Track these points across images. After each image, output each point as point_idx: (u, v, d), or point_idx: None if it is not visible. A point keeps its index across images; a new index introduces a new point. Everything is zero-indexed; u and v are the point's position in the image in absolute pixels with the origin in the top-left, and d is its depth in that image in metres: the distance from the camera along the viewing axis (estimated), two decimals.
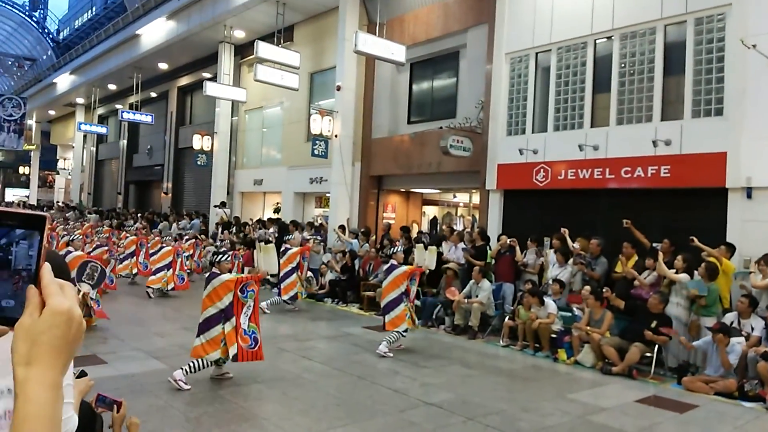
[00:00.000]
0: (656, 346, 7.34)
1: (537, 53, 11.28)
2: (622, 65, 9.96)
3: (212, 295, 6.06)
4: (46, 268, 0.74)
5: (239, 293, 6.10)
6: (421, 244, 9.37)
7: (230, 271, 6.62)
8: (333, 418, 5.36)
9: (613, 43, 10.08)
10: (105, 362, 6.84)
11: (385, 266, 8.61)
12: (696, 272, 7.67)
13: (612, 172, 9.81)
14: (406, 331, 8.00)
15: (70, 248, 9.47)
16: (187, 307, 10.84)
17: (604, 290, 8.19)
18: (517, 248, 9.93)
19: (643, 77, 9.66)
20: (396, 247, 8.87)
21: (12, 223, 0.72)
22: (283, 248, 10.82)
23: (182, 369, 5.95)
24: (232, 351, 6.02)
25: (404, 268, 8.10)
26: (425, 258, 8.74)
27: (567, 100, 10.71)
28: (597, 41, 10.39)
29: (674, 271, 7.78)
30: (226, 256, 6.63)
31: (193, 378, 6.33)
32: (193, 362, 6.00)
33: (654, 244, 8.67)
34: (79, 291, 7.53)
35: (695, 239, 7.82)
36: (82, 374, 2.41)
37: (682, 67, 9.16)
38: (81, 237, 12.98)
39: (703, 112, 8.91)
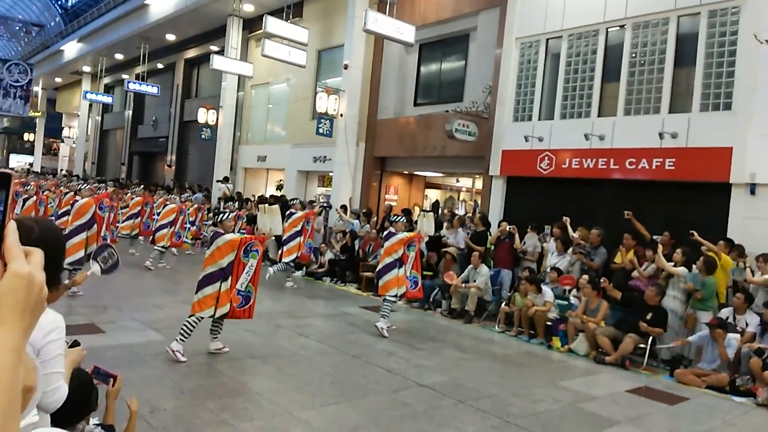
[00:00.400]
0: (650, 338, 7.37)
1: (548, 39, 11.17)
2: (633, 55, 9.87)
3: (215, 253, 6.12)
4: (11, 229, 0.73)
5: (242, 254, 6.14)
6: (422, 212, 9.44)
7: (233, 231, 6.66)
8: (326, 395, 5.42)
9: (625, 32, 9.97)
10: (103, 332, 6.90)
11: (385, 233, 8.69)
12: (694, 266, 7.68)
13: (617, 162, 9.77)
14: (396, 296, 8.13)
15: (77, 197, 9.31)
16: (187, 279, 10.89)
17: (601, 280, 8.22)
18: (517, 235, 9.94)
19: (653, 68, 9.57)
20: (399, 217, 8.85)
21: None
22: (288, 212, 10.89)
23: (177, 339, 6.02)
24: (222, 311, 6.09)
25: (402, 234, 8.15)
26: (423, 224, 8.78)
27: (575, 88, 10.63)
28: (609, 29, 10.28)
29: (673, 264, 7.78)
30: (227, 214, 6.66)
31: (189, 351, 6.39)
32: (184, 326, 6.07)
33: (654, 237, 8.67)
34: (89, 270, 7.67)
35: (695, 233, 7.81)
36: (75, 344, 2.44)
37: (693, 59, 9.06)
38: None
39: (711, 106, 8.84)
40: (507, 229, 10.10)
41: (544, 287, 8.64)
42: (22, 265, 0.72)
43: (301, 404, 5.13)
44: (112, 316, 7.60)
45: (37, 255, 0.75)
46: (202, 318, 6.12)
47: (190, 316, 6.11)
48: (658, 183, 9.32)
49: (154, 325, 7.34)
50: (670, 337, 7.62)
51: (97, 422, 3.00)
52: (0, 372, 0.67)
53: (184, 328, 6.08)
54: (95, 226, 8.54)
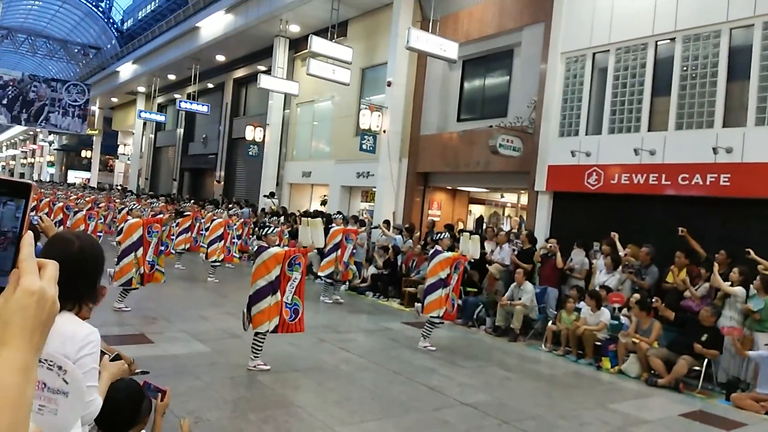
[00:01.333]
0: (705, 360, 7.06)
1: (594, 53, 10.99)
2: (684, 68, 9.60)
3: (261, 268, 6.22)
4: (27, 241, 0.73)
5: (286, 267, 6.24)
6: (467, 234, 9.34)
7: (277, 245, 6.79)
8: (366, 411, 5.38)
9: (675, 46, 9.72)
10: (152, 342, 7.07)
11: (431, 251, 8.66)
12: (752, 286, 7.34)
13: (668, 178, 9.48)
14: (439, 318, 8.02)
15: (129, 216, 9.73)
16: (233, 292, 11.09)
17: (653, 300, 7.93)
18: (558, 254, 9.70)
19: (705, 81, 9.28)
20: (443, 233, 8.77)
21: (1, 190, 0.73)
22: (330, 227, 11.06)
23: (252, 357, 6.30)
24: (272, 324, 6.19)
25: (448, 254, 8.11)
26: (469, 247, 8.68)
27: (624, 103, 10.40)
28: (658, 43, 10.04)
29: (729, 284, 7.46)
30: (272, 228, 6.75)
31: (232, 363, 6.50)
32: (254, 344, 6.32)
33: (710, 255, 8.33)
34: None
35: (751, 251, 7.48)
36: (116, 358, 2.49)
37: (747, 72, 8.75)
38: (140, 207, 13.52)
39: (767, 120, 8.50)
40: (548, 246, 9.90)
41: (603, 307, 8.38)
42: (33, 281, 0.71)
43: (341, 419, 5.11)
44: (161, 327, 7.79)
45: (51, 268, 0.74)
46: (267, 332, 6.22)
47: (256, 333, 6.25)
48: (712, 199, 8.98)
49: (201, 337, 7.48)
50: (727, 359, 7.29)
51: None
52: (6, 392, 0.66)
53: (254, 345, 6.30)
54: (141, 249, 8.53)
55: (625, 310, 8.38)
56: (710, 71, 9.22)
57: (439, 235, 8.82)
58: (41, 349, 0.71)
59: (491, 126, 12.24)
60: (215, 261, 12.26)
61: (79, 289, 1.86)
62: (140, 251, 8.50)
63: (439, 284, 7.96)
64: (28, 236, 0.73)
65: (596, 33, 10.83)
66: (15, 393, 0.66)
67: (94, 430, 2.63)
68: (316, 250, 9.06)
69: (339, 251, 10.90)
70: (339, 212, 12.77)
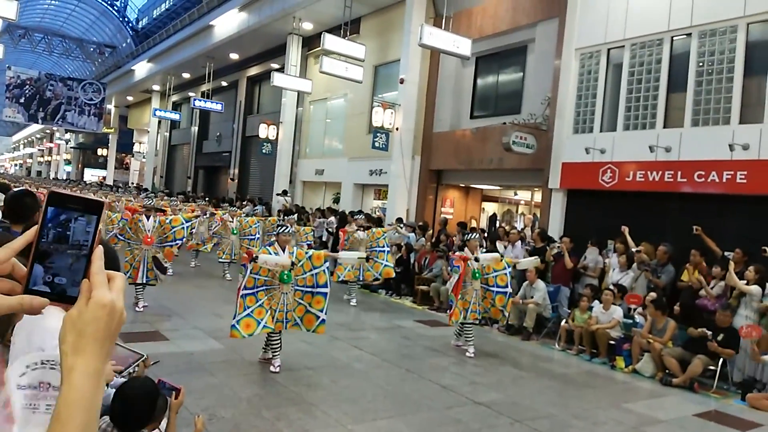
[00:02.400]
0: (720, 360, 6.99)
1: (609, 49, 10.90)
2: (700, 64, 9.49)
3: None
4: (97, 255, 0.78)
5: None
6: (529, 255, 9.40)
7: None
8: (379, 409, 5.40)
9: (691, 41, 9.60)
10: (167, 339, 7.15)
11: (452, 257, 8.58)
12: None
13: (684, 175, 9.38)
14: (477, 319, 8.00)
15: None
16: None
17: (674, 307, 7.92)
18: (566, 254, 9.55)
19: (722, 77, 9.17)
20: (473, 234, 8.60)
21: (75, 207, 0.78)
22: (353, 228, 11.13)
23: (273, 356, 6.33)
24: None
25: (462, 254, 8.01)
26: (524, 263, 8.83)
27: (639, 99, 10.30)
28: (674, 38, 9.93)
29: (745, 282, 7.38)
30: (286, 228, 6.58)
31: (246, 360, 6.56)
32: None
33: (726, 253, 8.25)
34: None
35: (767, 250, 7.38)
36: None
37: (765, 68, 8.64)
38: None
39: None
40: (557, 246, 9.80)
41: (613, 305, 8.33)
42: (105, 294, 0.76)
43: (354, 417, 5.14)
44: (175, 324, 7.87)
45: (119, 281, 0.79)
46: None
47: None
48: (729, 197, 8.88)
49: (215, 334, 7.54)
50: (742, 359, 7.21)
51: None
52: (80, 396, 0.72)
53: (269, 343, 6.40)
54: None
55: (639, 309, 8.32)
56: (726, 67, 9.11)
57: (469, 235, 8.52)
58: (109, 357, 0.76)
59: (504, 123, 12.18)
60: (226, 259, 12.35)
61: None
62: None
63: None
64: (99, 250, 0.78)
65: (611, 28, 10.74)
66: (89, 396, 0.72)
67: (109, 428, 2.68)
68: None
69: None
70: (360, 211, 12.76)
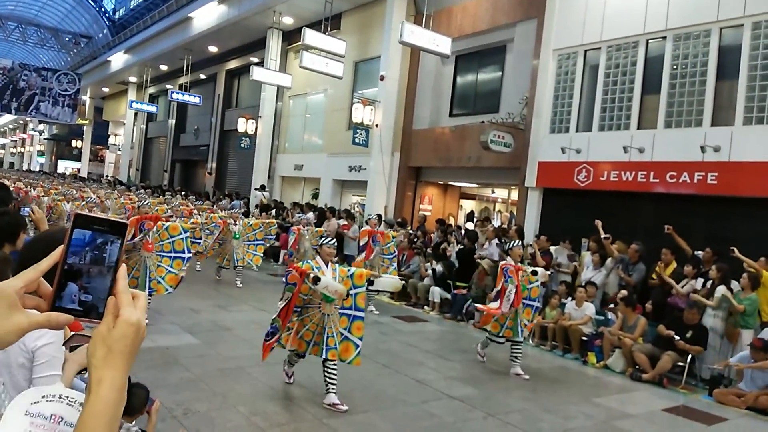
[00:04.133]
0: (689, 356, 7.18)
1: (586, 51, 11.06)
2: (674, 67, 9.69)
3: None
4: (122, 274, 0.83)
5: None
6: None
7: None
8: (355, 404, 5.44)
9: (666, 44, 9.80)
10: None
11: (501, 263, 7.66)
12: (738, 282, 7.47)
13: (657, 176, 9.58)
14: (495, 335, 7.21)
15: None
16: (224, 286, 11.12)
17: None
18: (537, 253, 9.07)
19: (695, 80, 9.38)
20: (514, 241, 7.78)
21: (100, 228, 0.83)
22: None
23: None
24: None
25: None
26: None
27: (614, 100, 10.48)
28: (649, 41, 10.12)
29: (711, 282, 7.61)
30: (330, 240, 5.74)
31: (223, 355, 6.55)
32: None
33: (696, 252, 8.45)
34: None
35: (735, 250, 7.59)
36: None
37: (737, 71, 8.84)
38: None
39: (755, 120, 8.60)
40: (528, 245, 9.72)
41: (586, 302, 8.48)
42: (132, 313, 0.81)
43: (329, 411, 5.17)
44: (151, 319, 7.77)
45: (142, 301, 0.84)
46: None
47: None
48: (700, 197, 9.09)
49: (191, 329, 7.51)
50: (710, 355, 7.41)
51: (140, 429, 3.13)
52: (105, 408, 0.77)
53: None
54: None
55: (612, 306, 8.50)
56: (700, 70, 9.32)
57: (512, 243, 7.67)
58: (129, 371, 0.81)
59: (483, 122, 12.30)
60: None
61: None
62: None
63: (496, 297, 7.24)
64: (123, 269, 0.83)
65: (588, 30, 10.90)
66: (113, 408, 0.78)
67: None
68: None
69: (364, 254, 9.81)
70: (330, 208, 12.66)
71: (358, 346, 5.37)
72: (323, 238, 5.77)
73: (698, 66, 9.34)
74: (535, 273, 7.16)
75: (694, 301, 7.55)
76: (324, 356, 5.27)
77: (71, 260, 0.81)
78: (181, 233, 8.01)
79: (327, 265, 5.46)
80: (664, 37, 9.84)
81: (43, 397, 0.89)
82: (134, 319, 0.81)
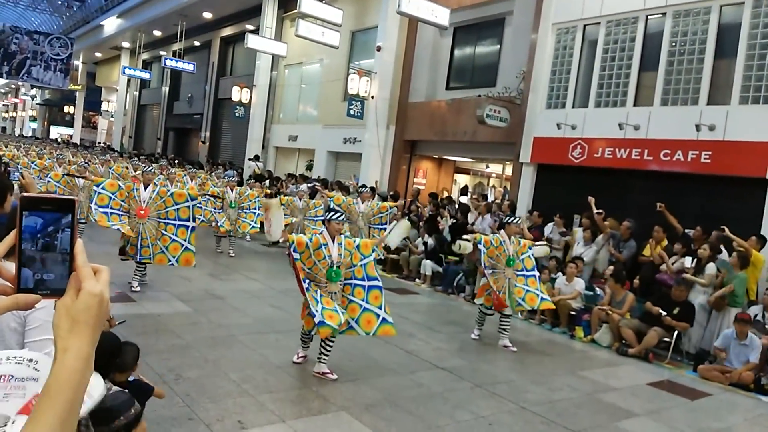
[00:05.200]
0: (675, 332, 7.28)
1: (585, 25, 10.94)
2: (673, 44, 9.61)
3: None
4: (79, 249, 0.84)
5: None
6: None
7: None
8: (345, 372, 5.50)
9: (666, 21, 9.71)
10: (134, 301, 7.13)
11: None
12: (724, 257, 7.57)
13: (651, 153, 9.58)
14: (486, 307, 7.28)
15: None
16: (216, 255, 11.15)
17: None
18: (524, 228, 8.53)
19: (693, 58, 9.32)
20: (516, 218, 7.78)
21: (47, 208, 0.83)
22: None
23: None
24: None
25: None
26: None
27: (612, 77, 10.41)
28: (649, 17, 10.02)
29: (698, 260, 7.69)
30: (339, 215, 5.55)
31: (215, 323, 6.60)
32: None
33: (686, 230, 8.51)
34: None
35: (726, 229, 7.65)
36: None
37: (735, 50, 8.79)
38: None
39: (751, 99, 8.58)
40: (524, 218, 9.84)
41: (576, 277, 8.55)
42: (95, 285, 0.83)
43: (319, 379, 5.24)
44: (142, 287, 7.82)
45: (105, 274, 0.86)
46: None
47: None
48: (693, 176, 9.12)
49: (183, 297, 7.55)
50: (697, 331, 7.52)
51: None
52: (70, 375, 0.78)
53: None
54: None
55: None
56: (698, 48, 9.25)
57: (513, 219, 7.52)
58: (96, 342, 0.83)
59: (479, 95, 12.22)
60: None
61: None
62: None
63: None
64: (79, 244, 0.84)
65: (588, 4, 10.77)
66: (78, 377, 0.79)
67: None
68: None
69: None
70: (363, 185, 12.50)
71: (378, 315, 5.34)
72: (332, 213, 5.53)
73: (697, 44, 9.27)
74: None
75: (682, 278, 7.62)
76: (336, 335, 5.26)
77: (27, 240, 0.82)
78: (188, 200, 7.75)
79: (333, 240, 5.38)
80: (664, 14, 9.75)
81: None
82: (97, 291, 0.83)
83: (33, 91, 50.25)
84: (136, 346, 3.34)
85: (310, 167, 18.29)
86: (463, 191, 15.52)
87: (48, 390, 0.78)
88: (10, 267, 0.86)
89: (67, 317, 0.81)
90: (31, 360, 0.93)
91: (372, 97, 14.49)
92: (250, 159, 19.61)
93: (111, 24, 31.47)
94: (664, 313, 7.32)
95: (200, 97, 26.19)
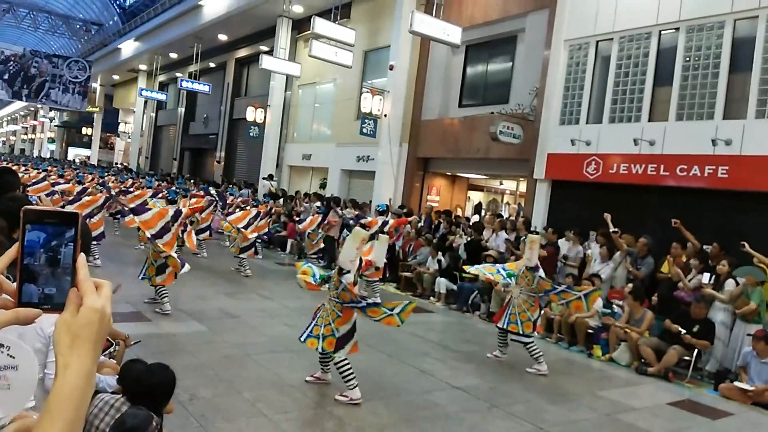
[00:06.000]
0: (696, 351, 7.14)
1: (598, 41, 10.95)
2: (687, 59, 9.57)
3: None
4: (81, 263, 0.83)
5: None
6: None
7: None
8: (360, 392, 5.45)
9: (679, 35, 9.68)
10: (149, 320, 7.15)
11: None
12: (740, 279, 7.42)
13: (667, 169, 9.50)
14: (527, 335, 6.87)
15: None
16: (231, 274, 11.17)
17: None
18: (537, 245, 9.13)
19: (707, 72, 9.26)
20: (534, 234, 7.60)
21: (51, 221, 0.82)
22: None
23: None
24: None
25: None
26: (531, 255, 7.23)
27: (625, 92, 10.38)
28: (662, 32, 10.00)
29: (717, 276, 7.56)
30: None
31: (229, 342, 6.59)
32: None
33: (704, 247, 8.39)
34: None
35: (746, 244, 7.53)
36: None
37: (750, 64, 8.72)
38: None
39: (767, 113, 8.50)
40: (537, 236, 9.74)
41: None
42: (96, 300, 0.82)
43: (332, 399, 5.19)
44: (157, 306, 7.84)
45: (106, 289, 0.84)
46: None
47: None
48: (710, 191, 9.01)
49: (198, 316, 7.56)
50: (718, 349, 7.37)
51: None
52: (72, 392, 0.77)
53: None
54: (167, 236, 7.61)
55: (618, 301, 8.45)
56: (713, 62, 9.20)
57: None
58: (98, 358, 0.82)
59: (492, 112, 12.23)
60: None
61: None
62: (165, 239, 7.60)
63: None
64: (82, 258, 0.83)
65: (600, 21, 10.78)
66: (80, 394, 0.78)
67: (124, 406, 2.73)
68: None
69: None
70: (335, 199, 12.64)
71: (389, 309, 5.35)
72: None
73: (711, 58, 9.23)
74: (533, 269, 6.91)
75: (701, 296, 7.50)
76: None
77: (29, 254, 0.81)
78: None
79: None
80: (677, 29, 9.72)
81: None
82: (98, 306, 0.81)
83: (51, 113, 51.17)
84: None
85: (323, 185, 18.37)
86: (477, 209, 15.47)
87: (49, 408, 0.77)
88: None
89: (68, 333, 0.79)
90: (2, 345, 0.92)
91: (385, 116, 14.56)
92: (264, 178, 19.75)
93: (128, 47, 32.08)
94: (683, 331, 7.19)
95: (215, 117, 26.51)
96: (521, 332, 6.83)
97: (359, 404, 5.14)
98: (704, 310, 7.34)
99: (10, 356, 0.87)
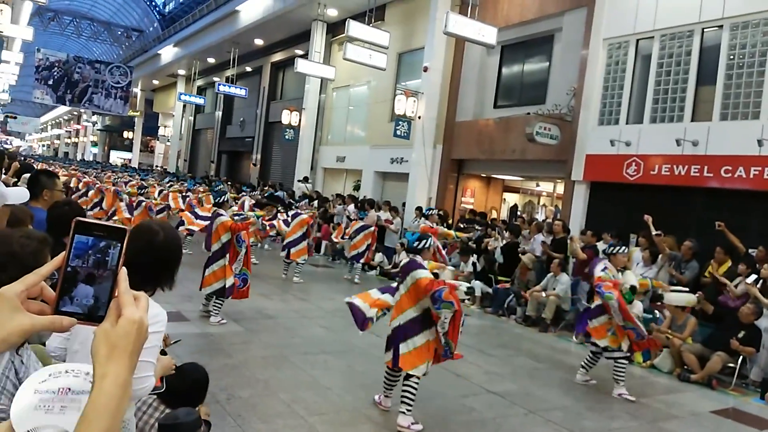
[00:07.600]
0: (741, 357, 6.90)
1: (638, 40, 10.71)
2: (731, 57, 9.28)
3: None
4: (123, 277, 0.85)
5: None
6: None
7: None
8: (395, 396, 5.43)
9: (723, 33, 9.39)
10: (188, 320, 7.28)
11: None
12: None
13: (711, 170, 9.23)
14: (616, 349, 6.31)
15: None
16: (267, 275, 11.29)
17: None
18: (577, 247, 8.72)
19: (752, 71, 8.97)
20: (621, 248, 6.74)
21: (100, 234, 0.84)
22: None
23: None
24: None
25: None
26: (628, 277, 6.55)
27: (667, 91, 10.12)
28: (705, 30, 9.72)
29: (762, 281, 7.28)
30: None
31: (264, 342, 6.65)
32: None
33: (750, 250, 8.11)
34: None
35: (722, 224, 7.25)
36: (162, 353, 2.71)
37: None
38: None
39: None
40: (575, 238, 9.53)
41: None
42: (134, 312, 0.84)
43: (369, 402, 5.19)
44: (197, 306, 7.97)
45: (144, 301, 0.87)
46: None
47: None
48: (756, 193, 8.71)
49: (235, 317, 7.65)
50: (763, 357, 7.11)
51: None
52: (109, 401, 0.78)
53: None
54: (227, 256, 7.30)
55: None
56: (758, 60, 8.90)
57: (617, 249, 6.64)
58: (134, 368, 0.83)
59: (528, 113, 12.08)
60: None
61: (159, 276, 2.09)
62: (225, 259, 7.29)
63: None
64: (123, 272, 0.85)
65: (641, 19, 10.54)
66: (116, 403, 0.79)
67: (161, 405, 2.81)
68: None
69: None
70: (431, 208, 12.81)
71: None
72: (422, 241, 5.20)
73: (756, 56, 8.93)
74: (634, 290, 6.22)
75: (754, 300, 7.23)
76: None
77: (74, 264, 0.83)
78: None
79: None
80: (721, 26, 9.44)
81: (50, 375, 0.92)
82: (136, 317, 0.83)
83: (94, 118, 52.69)
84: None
85: (357, 187, 18.42)
86: (513, 211, 15.30)
87: (86, 417, 0.78)
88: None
89: (106, 343, 0.81)
90: (87, 373, 0.94)
91: (419, 117, 14.53)
92: (299, 180, 19.93)
93: (168, 53, 32.82)
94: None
95: (252, 120, 26.89)
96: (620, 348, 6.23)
97: (391, 410, 5.11)
98: (753, 315, 7.07)
99: (91, 383, 0.89)
